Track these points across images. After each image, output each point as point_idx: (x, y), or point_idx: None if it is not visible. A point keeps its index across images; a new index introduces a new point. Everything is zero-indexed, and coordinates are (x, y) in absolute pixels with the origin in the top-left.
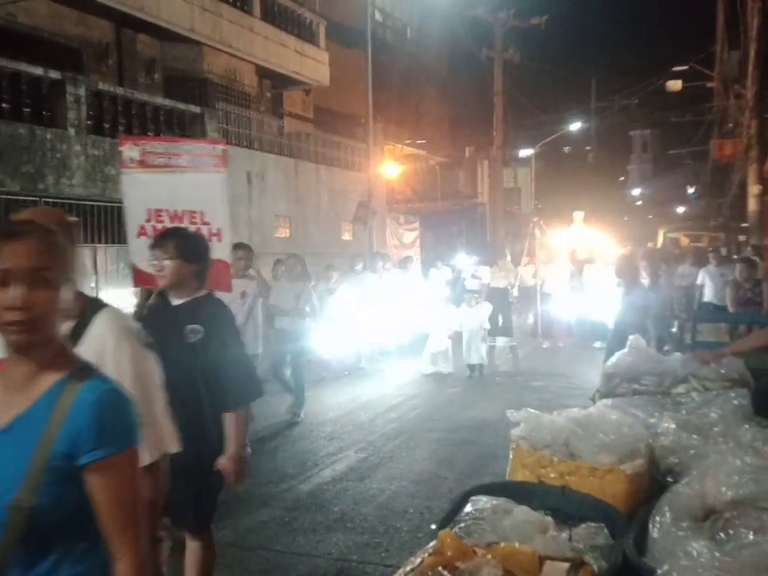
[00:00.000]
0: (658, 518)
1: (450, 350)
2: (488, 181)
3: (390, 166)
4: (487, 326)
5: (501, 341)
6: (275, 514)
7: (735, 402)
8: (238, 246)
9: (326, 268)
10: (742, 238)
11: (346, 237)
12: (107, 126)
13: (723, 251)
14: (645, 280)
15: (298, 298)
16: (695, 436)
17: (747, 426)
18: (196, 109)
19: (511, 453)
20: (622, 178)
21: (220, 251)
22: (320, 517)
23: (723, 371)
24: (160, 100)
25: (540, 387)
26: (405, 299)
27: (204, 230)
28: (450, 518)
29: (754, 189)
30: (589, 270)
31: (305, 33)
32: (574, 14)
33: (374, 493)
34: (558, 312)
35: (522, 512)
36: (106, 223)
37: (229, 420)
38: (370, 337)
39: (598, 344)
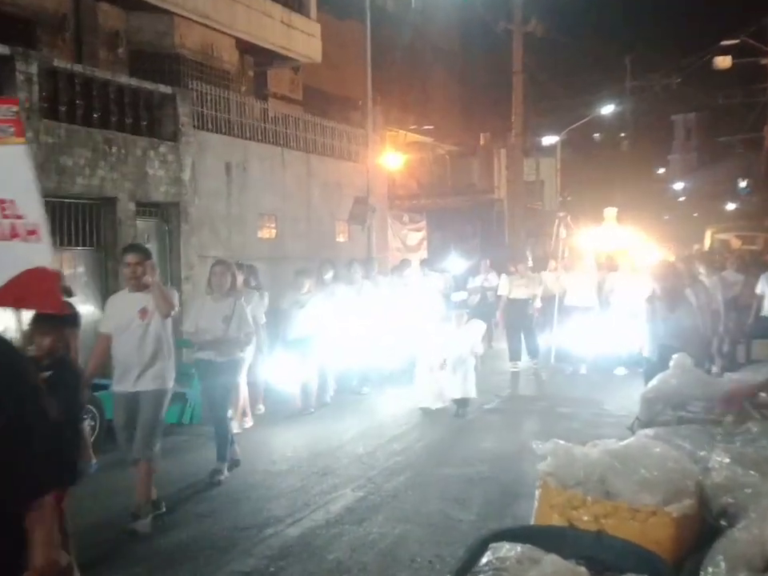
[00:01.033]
0: (710, 569)
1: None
2: (506, 173)
3: (392, 156)
4: (479, 350)
5: (522, 364)
6: (260, 564)
7: None
8: (128, 249)
9: (296, 274)
10: None
11: (341, 238)
12: (63, 108)
13: None
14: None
15: (228, 320)
16: (752, 472)
17: None
18: (166, 89)
19: (537, 491)
20: (662, 170)
21: (39, 256)
22: (312, 566)
23: None
24: (125, 79)
25: (568, 414)
26: (394, 314)
27: (19, 227)
28: (466, 568)
29: None
30: (612, 279)
31: (293, 1)
32: None
33: (375, 538)
34: (581, 330)
35: (551, 562)
36: (62, 223)
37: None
38: (346, 361)
39: (621, 371)
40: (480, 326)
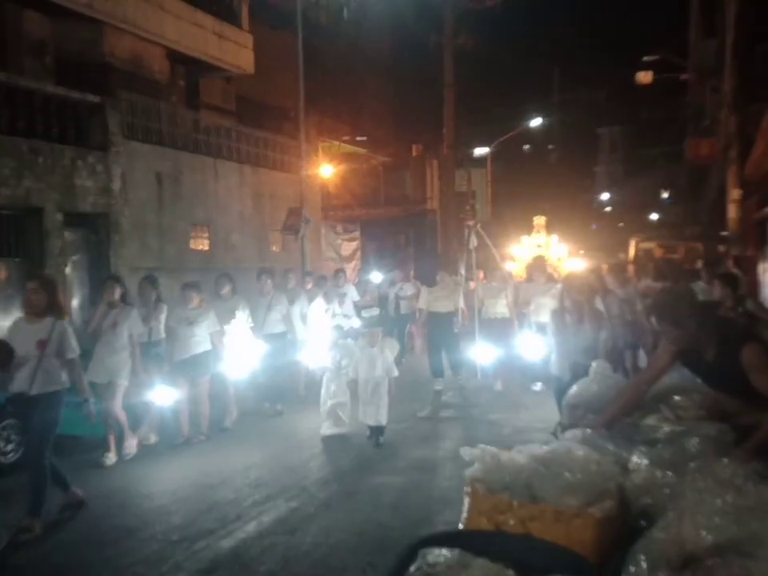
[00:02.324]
0: (632, 569)
1: (348, 403)
2: (438, 184)
3: (326, 167)
4: (394, 373)
5: (447, 381)
6: None
7: (712, 433)
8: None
9: (183, 288)
10: (721, 248)
11: (275, 249)
12: None
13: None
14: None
15: (43, 345)
16: (670, 473)
17: (726, 460)
18: (95, 98)
19: (466, 497)
20: (589, 181)
21: None
22: None
23: (698, 399)
24: (51, 88)
25: (498, 421)
26: (310, 328)
27: None
28: (395, 574)
29: (734, 193)
30: (526, 290)
31: (224, 12)
32: None
33: (308, 548)
34: (497, 344)
35: (480, 566)
36: None
37: None
38: (248, 380)
39: (537, 386)
40: (395, 346)
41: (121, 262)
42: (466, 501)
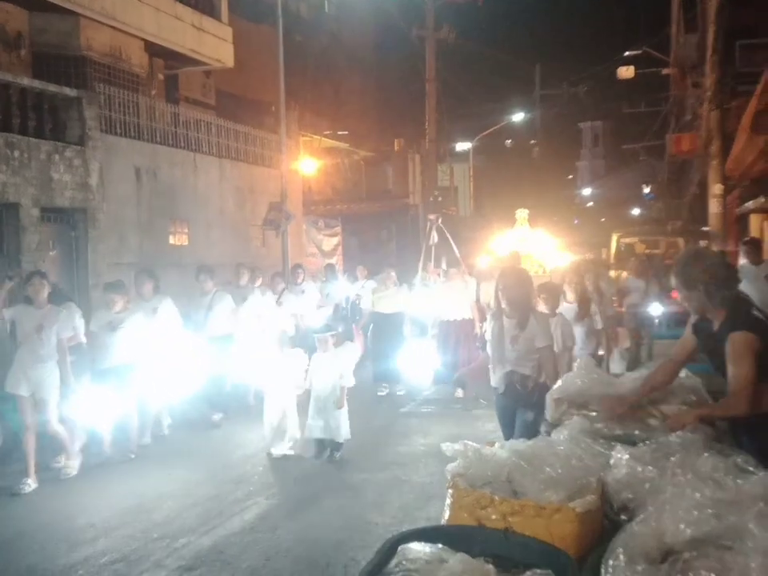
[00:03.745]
0: (611, 562)
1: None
2: (420, 179)
3: (307, 161)
4: (349, 382)
5: (385, 389)
6: (172, 575)
7: (693, 429)
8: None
9: (105, 289)
10: (703, 243)
11: (257, 244)
12: None
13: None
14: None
15: None
16: (650, 468)
17: (707, 455)
18: (71, 92)
19: (448, 492)
20: (571, 176)
21: None
22: (225, 575)
23: (678, 394)
24: (27, 81)
25: (484, 416)
26: (250, 336)
27: None
28: (376, 571)
29: (715, 188)
30: (486, 289)
31: (204, 4)
32: None
33: (290, 545)
34: (456, 348)
35: (460, 560)
36: None
37: None
38: (178, 390)
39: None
40: (353, 351)
41: (99, 257)
42: (448, 496)
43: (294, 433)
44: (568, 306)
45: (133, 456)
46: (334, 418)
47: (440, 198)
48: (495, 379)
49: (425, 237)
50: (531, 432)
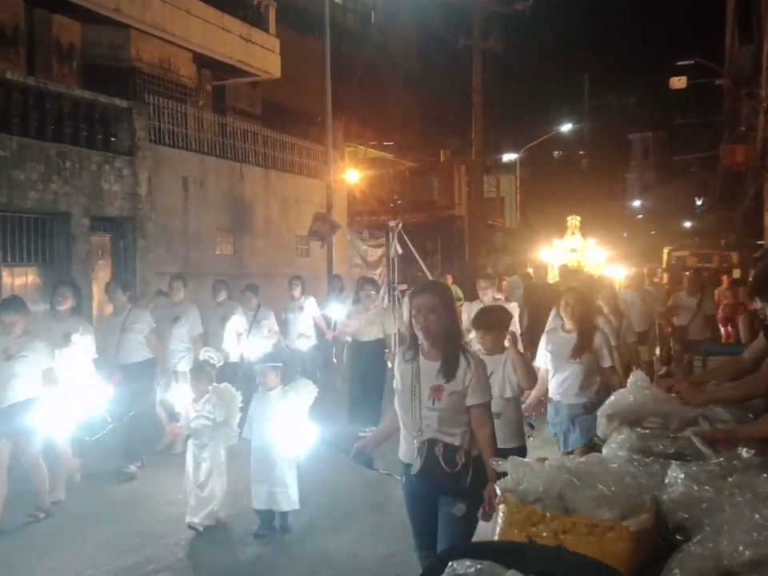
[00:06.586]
0: None
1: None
2: (466, 190)
3: (352, 172)
4: (303, 430)
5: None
6: None
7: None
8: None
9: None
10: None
11: (301, 255)
12: (16, 121)
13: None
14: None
15: None
16: (707, 487)
17: (765, 475)
18: (122, 102)
19: (499, 508)
20: (620, 188)
21: None
22: None
23: (738, 410)
24: (79, 92)
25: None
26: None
27: None
28: None
29: None
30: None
31: (252, 16)
32: None
33: (333, 557)
34: None
35: None
36: (13, 238)
37: None
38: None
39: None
40: (307, 393)
41: (146, 266)
42: (499, 512)
43: (220, 497)
44: (563, 337)
45: (42, 515)
46: (279, 480)
47: (392, 223)
48: (405, 452)
49: (391, 247)
50: (462, 534)
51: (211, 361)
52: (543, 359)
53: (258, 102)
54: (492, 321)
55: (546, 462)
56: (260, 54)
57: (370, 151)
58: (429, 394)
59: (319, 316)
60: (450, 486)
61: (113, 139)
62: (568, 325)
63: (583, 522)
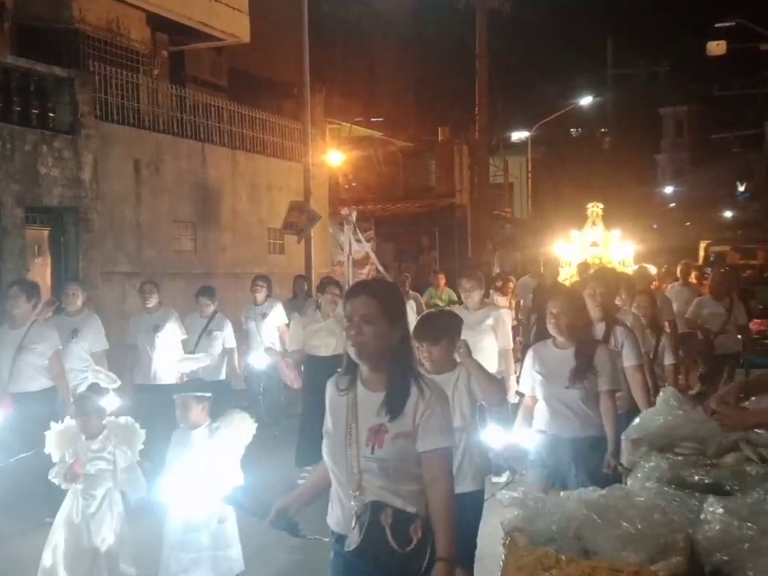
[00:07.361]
0: None
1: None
2: (468, 174)
3: (335, 153)
4: (236, 482)
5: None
6: None
7: None
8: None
9: None
10: None
11: (274, 252)
12: None
13: None
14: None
15: None
16: (749, 524)
17: None
18: (62, 72)
19: (503, 549)
20: (649, 172)
21: None
22: None
23: None
24: (11, 59)
25: None
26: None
27: None
28: None
29: None
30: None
31: None
32: None
33: None
34: None
35: None
36: None
37: None
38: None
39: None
40: (242, 430)
41: (91, 264)
42: (504, 554)
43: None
44: (556, 354)
45: None
46: (202, 555)
47: (345, 211)
48: (338, 519)
49: (345, 240)
50: None
51: (102, 384)
52: (530, 383)
53: (224, 71)
54: (439, 329)
55: (562, 494)
56: (225, 14)
57: (355, 129)
58: (367, 438)
59: (284, 327)
60: (399, 571)
61: (51, 115)
62: (559, 339)
63: (604, 567)
